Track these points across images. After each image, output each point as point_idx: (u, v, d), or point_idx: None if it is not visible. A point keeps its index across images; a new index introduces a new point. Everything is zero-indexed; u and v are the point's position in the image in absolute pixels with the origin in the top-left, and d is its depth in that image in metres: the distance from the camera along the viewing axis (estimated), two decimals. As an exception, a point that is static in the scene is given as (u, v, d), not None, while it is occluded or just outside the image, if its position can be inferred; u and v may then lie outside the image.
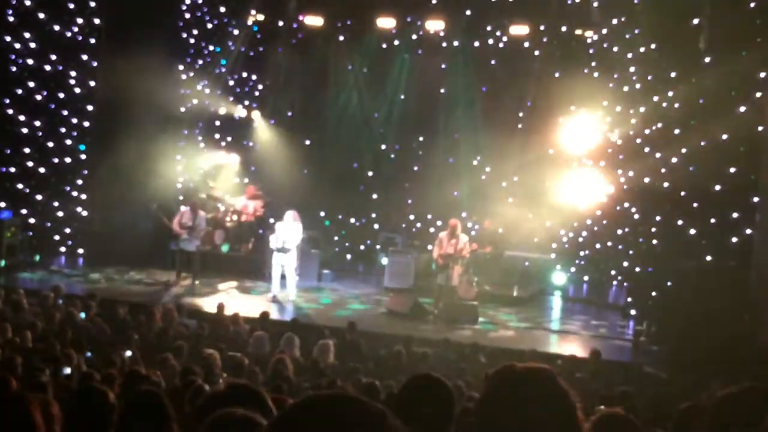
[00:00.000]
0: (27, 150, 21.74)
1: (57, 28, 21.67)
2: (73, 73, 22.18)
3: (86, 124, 22.56)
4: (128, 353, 12.02)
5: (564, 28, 23.68)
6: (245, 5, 24.86)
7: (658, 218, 18.10)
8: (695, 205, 16.58)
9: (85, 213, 22.89)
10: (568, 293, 23.31)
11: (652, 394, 12.16)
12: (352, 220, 26.79)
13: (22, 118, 21.57)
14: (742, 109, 15.69)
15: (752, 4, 15.87)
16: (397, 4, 24.58)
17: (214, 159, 25.21)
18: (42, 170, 22.01)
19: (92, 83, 22.42)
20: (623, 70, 21.01)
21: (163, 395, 5.58)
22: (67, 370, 10.27)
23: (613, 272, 23.01)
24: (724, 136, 15.69)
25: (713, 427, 4.62)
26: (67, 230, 22.80)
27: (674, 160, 17.04)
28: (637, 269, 19.41)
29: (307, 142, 26.67)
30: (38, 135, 21.85)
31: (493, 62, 25.22)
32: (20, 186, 21.76)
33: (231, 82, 25.76)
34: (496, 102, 25.05)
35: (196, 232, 20.55)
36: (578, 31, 23.26)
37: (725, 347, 14.77)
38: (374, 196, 26.42)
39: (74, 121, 22.41)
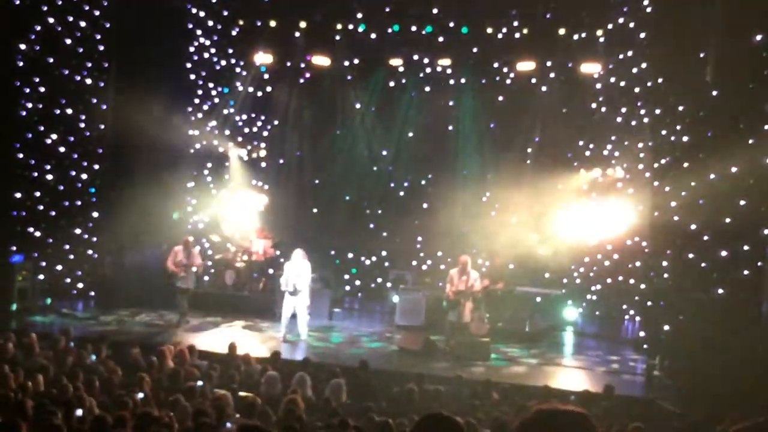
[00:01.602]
0: (38, 194, 21.78)
1: (66, 72, 21.82)
2: (82, 117, 22.32)
3: (96, 166, 22.70)
4: (140, 395, 11.99)
5: (570, 64, 23.74)
6: (253, 46, 25.03)
7: (668, 252, 18.04)
8: (706, 238, 16.52)
9: (95, 255, 22.95)
10: (579, 328, 23.22)
11: (667, 429, 12.07)
12: (362, 258, 26.79)
13: (32, 162, 21.65)
14: (751, 141, 15.67)
15: (758, 37, 15.91)
16: (404, 42, 24.69)
17: (224, 199, 25.27)
18: (53, 213, 22.06)
19: (102, 126, 22.57)
20: (630, 104, 21.07)
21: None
22: (80, 413, 10.24)
23: (624, 306, 22.93)
24: (734, 169, 15.67)
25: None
26: (78, 273, 22.85)
27: (683, 193, 17.01)
28: (649, 303, 19.32)
29: (316, 181, 26.78)
30: (49, 179, 21.93)
31: (500, 98, 25.33)
32: (31, 230, 21.78)
33: (239, 123, 25.89)
34: (504, 138, 25.16)
35: (193, 267, 20.48)
36: (584, 66, 23.27)
37: (739, 380, 14.66)
38: (384, 233, 26.46)
39: (84, 164, 22.54)
